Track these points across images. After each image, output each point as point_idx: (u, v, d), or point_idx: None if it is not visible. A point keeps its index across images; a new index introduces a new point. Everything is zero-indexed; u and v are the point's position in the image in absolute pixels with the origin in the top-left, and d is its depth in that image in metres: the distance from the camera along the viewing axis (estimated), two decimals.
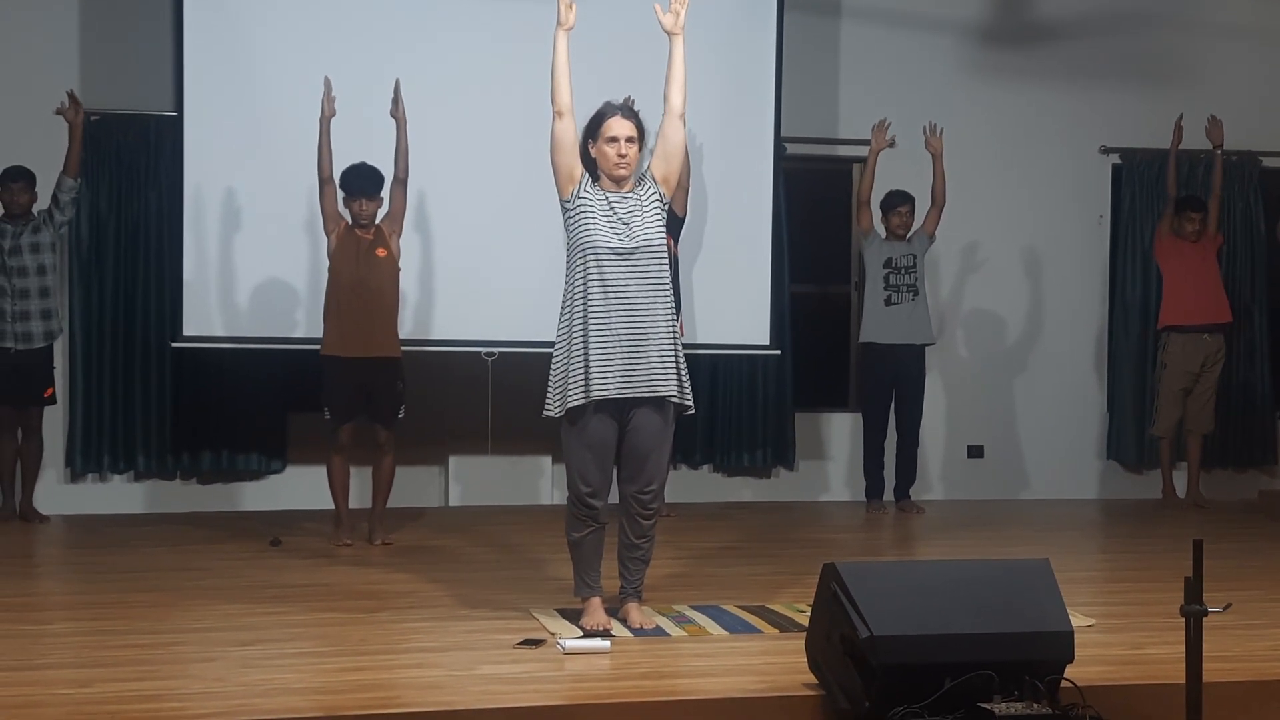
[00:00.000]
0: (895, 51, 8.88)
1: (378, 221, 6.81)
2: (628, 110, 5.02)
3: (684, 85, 5.01)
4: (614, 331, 4.86)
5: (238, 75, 7.55)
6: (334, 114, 6.73)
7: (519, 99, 7.72)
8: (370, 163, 6.78)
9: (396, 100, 6.84)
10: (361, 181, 6.73)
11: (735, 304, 8.06)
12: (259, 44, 7.59)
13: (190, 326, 7.63)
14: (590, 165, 5.01)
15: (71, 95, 7.39)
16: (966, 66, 8.98)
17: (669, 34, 5.02)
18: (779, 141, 8.15)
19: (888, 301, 8.11)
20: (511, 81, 7.74)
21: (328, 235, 6.80)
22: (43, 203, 7.50)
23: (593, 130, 4.99)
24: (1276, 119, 9.24)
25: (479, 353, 7.94)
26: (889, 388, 8.21)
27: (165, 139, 7.81)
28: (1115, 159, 9.20)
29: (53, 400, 7.62)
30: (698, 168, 7.72)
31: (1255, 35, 9.31)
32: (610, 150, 4.92)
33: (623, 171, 4.94)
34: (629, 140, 4.93)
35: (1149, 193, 9.12)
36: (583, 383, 4.85)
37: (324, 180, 6.72)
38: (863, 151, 8.63)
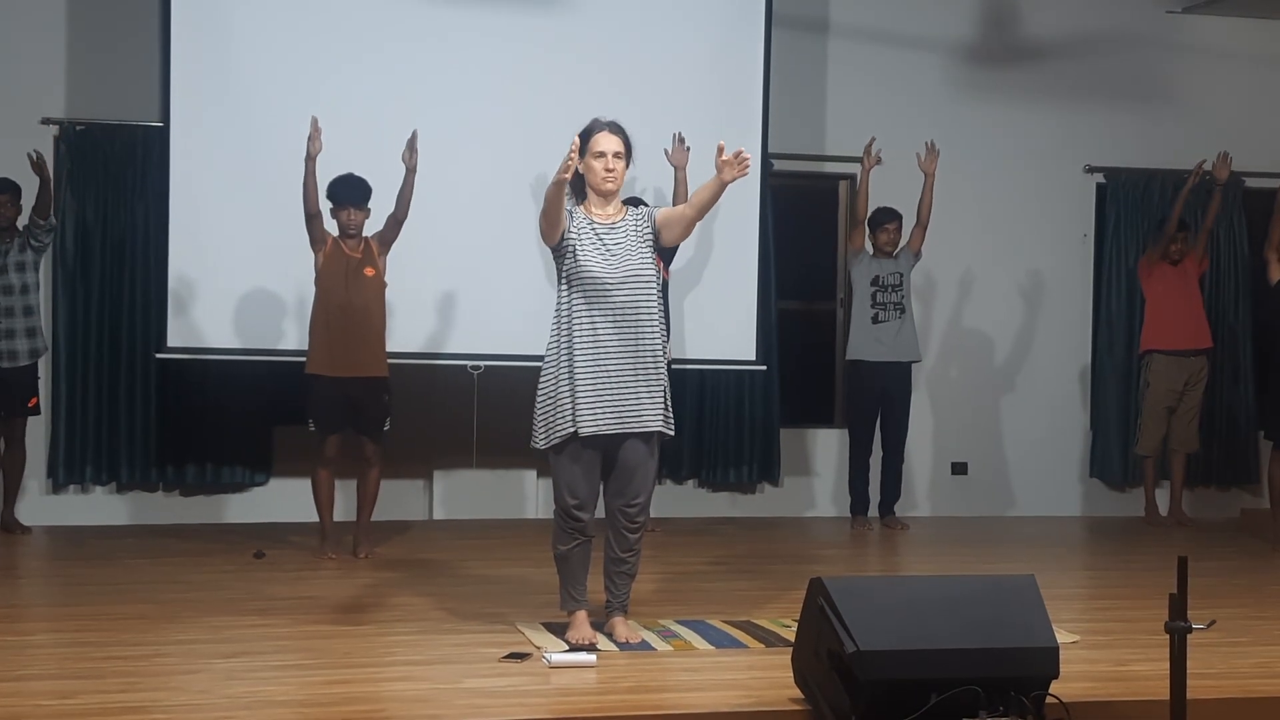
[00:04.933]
0: (882, 70, 8.92)
1: (367, 234, 6.80)
2: (615, 126, 5.02)
3: (704, 213, 4.95)
4: (601, 364, 4.85)
5: (225, 85, 7.54)
6: (320, 150, 6.66)
7: (509, 113, 7.76)
8: (358, 173, 6.79)
9: (412, 149, 6.78)
10: (349, 192, 6.73)
11: (722, 319, 8.07)
12: (246, 54, 7.58)
13: (175, 338, 7.61)
14: (577, 182, 5.02)
15: (38, 154, 7.28)
16: (953, 85, 9.02)
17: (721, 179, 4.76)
18: (766, 158, 8.16)
19: (874, 319, 8.13)
20: (503, 95, 7.77)
21: (315, 253, 6.79)
22: (26, 218, 7.46)
23: (580, 146, 5.00)
24: (1259, 140, 9.29)
25: (465, 366, 7.93)
26: (875, 405, 8.22)
27: (152, 149, 7.79)
28: (1100, 178, 9.25)
29: (36, 410, 7.59)
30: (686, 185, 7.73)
31: (1239, 57, 9.37)
32: (598, 165, 4.93)
33: (610, 186, 4.95)
34: (616, 155, 4.94)
35: (1133, 212, 9.17)
36: (570, 417, 4.85)
37: (311, 215, 6.69)
38: (850, 169, 8.69)
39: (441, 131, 7.66)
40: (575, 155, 4.75)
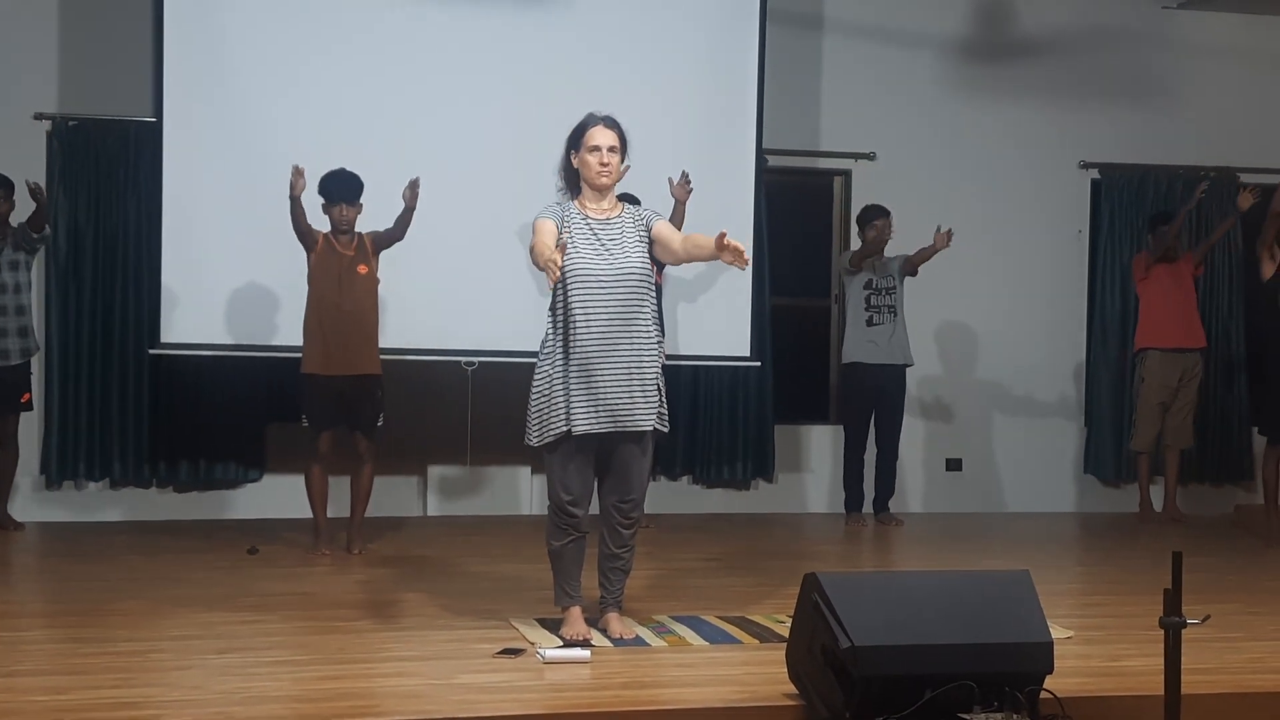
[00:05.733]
0: (877, 66, 8.92)
1: (361, 230, 6.78)
2: (610, 120, 5.01)
3: (691, 261, 5.00)
4: (596, 362, 4.83)
5: (218, 81, 7.53)
6: (304, 189, 6.56)
7: (503, 109, 7.75)
8: (349, 169, 6.77)
9: (414, 190, 6.70)
10: (342, 188, 6.71)
11: (716, 315, 8.07)
12: (239, 50, 7.57)
13: (168, 334, 7.60)
14: (572, 177, 5.01)
15: (35, 185, 7.18)
16: (947, 81, 9.02)
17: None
18: (760, 154, 8.16)
19: (869, 322, 8.12)
20: (496, 92, 7.76)
21: (307, 254, 6.75)
22: (20, 215, 7.43)
23: (575, 140, 4.99)
24: (1253, 136, 9.31)
25: (459, 363, 7.92)
26: (870, 404, 8.21)
27: (145, 145, 7.78)
28: (1094, 174, 9.25)
29: (29, 406, 7.57)
30: None
31: (1233, 53, 9.38)
32: (592, 159, 4.92)
33: (604, 180, 4.94)
34: (611, 150, 4.93)
35: (1128, 208, 9.19)
36: (564, 416, 4.83)
37: (302, 234, 6.67)
38: (844, 164, 8.77)
39: (435, 127, 7.68)
40: (558, 275, 4.63)
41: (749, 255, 4.68)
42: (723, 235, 4.62)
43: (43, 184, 7.39)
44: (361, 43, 7.69)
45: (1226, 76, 9.35)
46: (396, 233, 6.78)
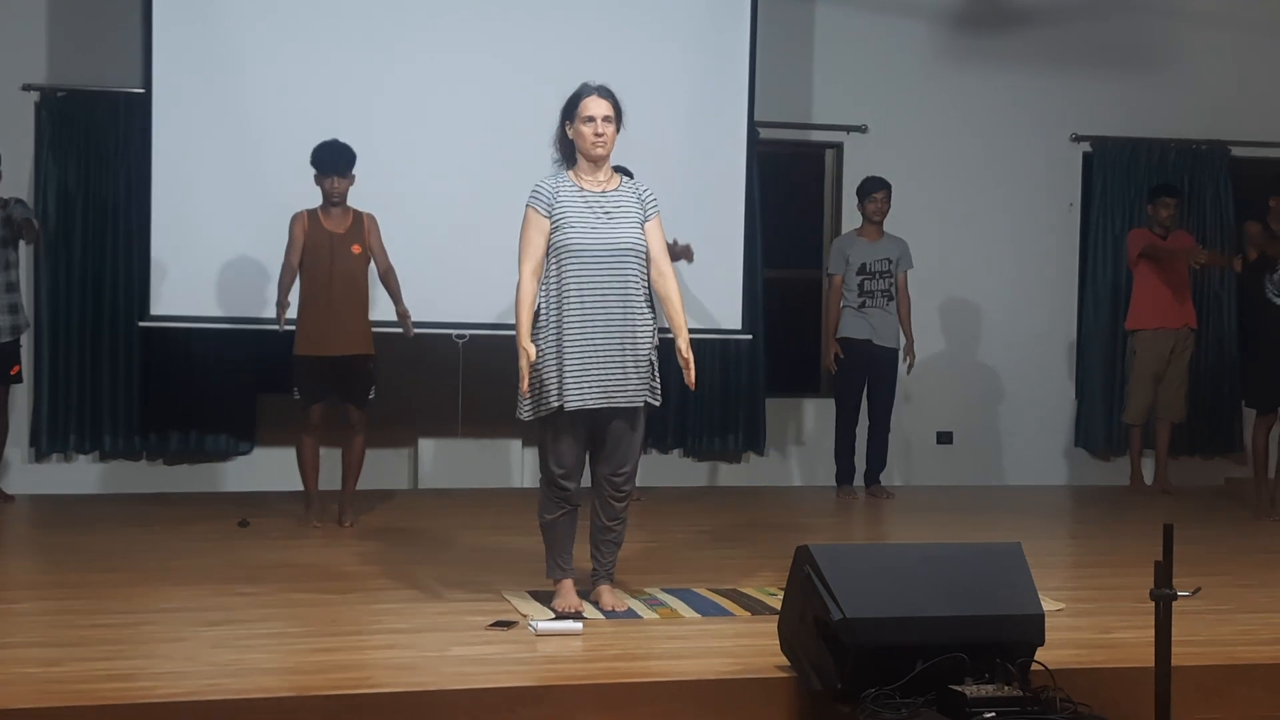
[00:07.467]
0: (869, 36, 8.89)
1: (357, 207, 6.75)
2: (605, 90, 4.97)
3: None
4: (590, 339, 4.82)
5: (207, 52, 7.49)
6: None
7: (494, 83, 7.73)
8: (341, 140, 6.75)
9: (405, 328, 6.87)
10: (334, 159, 6.67)
11: (708, 288, 8.05)
12: (229, 20, 7.53)
13: (158, 306, 7.58)
14: (567, 148, 4.98)
15: (35, 225, 7.24)
16: (939, 51, 8.99)
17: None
18: (752, 126, 8.14)
19: (862, 306, 8.12)
20: (486, 66, 7.73)
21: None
22: (13, 190, 7.39)
23: (570, 111, 4.95)
24: (1246, 108, 9.30)
25: (449, 335, 7.91)
26: (861, 377, 8.22)
27: (134, 116, 7.74)
28: (1086, 147, 9.24)
29: (19, 378, 7.54)
30: (672, 154, 7.69)
31: (1226, 24, 9.35)
32: (587, 130, 4.89)
33: (600, 150, 4.91)
34: (606, 119, 4.90)
35: (1119, 181, 9.17)
36: (557, 391, 4.82)
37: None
38: (836, 136, 8.70)
39: (426, 98, 7.65)
40: (527, 386, 4.79)
41: (692, 381, 4.92)
42: (681, 352, 4.87)
43: (30, 155, 7.36)
44: (352, 14, 7.65)
45: (1219, 48, 9.33)
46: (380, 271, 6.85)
